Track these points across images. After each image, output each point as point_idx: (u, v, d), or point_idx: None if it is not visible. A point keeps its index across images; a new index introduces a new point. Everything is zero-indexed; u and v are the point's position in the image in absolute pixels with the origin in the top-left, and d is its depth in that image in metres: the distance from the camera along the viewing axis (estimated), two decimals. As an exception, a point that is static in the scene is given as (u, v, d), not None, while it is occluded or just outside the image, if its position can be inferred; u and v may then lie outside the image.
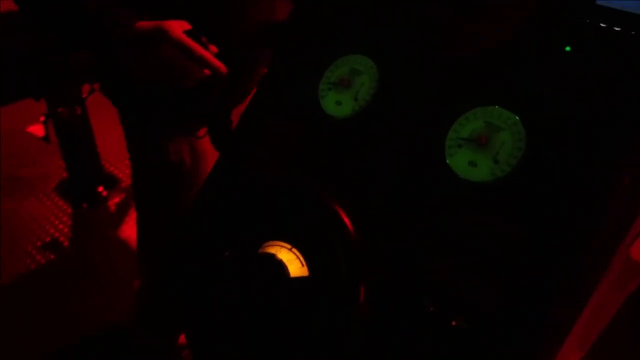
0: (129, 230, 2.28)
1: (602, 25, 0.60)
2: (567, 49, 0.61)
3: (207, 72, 0.87)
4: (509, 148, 0.61)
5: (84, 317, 1.91)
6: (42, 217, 2.36)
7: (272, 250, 0.63)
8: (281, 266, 0.61)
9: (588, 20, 0.61)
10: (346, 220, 0.62)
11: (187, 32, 0.86)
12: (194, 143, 1.11)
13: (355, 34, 0.76)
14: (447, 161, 0.64)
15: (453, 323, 0.59)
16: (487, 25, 0.67)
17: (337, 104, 0.73)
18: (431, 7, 0.70)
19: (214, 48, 0.89)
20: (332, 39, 0.77)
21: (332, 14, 0.79)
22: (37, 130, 2.22)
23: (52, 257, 2.18)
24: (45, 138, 2.18)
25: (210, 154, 1.05)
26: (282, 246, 0.63)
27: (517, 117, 0.61)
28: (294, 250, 0.63)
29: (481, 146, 0.62)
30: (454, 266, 0.60)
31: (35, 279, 2.11)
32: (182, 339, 1.42)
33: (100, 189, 2.47)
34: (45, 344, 1.83)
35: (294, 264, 0.62)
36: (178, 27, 0.86)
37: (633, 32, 0.58)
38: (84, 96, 2.22)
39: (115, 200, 2.44)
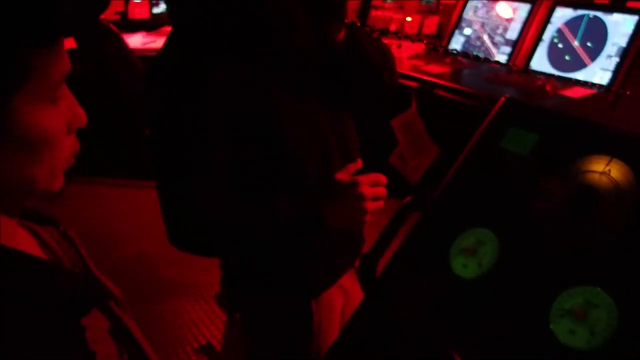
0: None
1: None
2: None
3: None
4: (603, 324, 0.74)
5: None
6: (201, 321, 2.69)
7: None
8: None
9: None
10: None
11: None
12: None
13: (483, 210, 0.95)
14: (551, 327, 0.78)
15: None
16: (594, 224, 0.82)
17: (463, 266, 0.91)
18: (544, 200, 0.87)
19: None
20: (464, 213, 0.96)
21: (463, 192, 0.98)
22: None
23: (205, 358, 2.46)
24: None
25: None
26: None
27: (612, 300, 0.74)
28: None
29: (579, 319, 0.76)
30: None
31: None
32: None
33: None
34: None
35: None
36: None
37: None
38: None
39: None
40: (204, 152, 1.06)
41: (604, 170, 0.84)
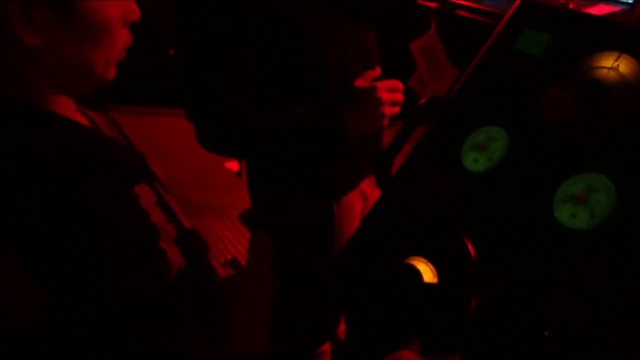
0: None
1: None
2: (657, 134, 0.78)
3: None
4: (602, 206, 0.79)
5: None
6: (226, 238, 2.81)
7: (412, 261, 0.86)
8: (418, 273, 0.85)
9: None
10: (470, 248, 0.85)
11: None
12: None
13: (494, 109, 0.99)
14: (555, 213, 0.83)
15: (545, 333, 0.78)
16: (598, 113, 0.86)
17: (474, 161, 0.96)
18: (553, 94, 0.91)
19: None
20: (477, 113, 1.00)
21: (477, 93, 1.02)
22: (233, 166, 2.68)
23: (231, 272, 2.60)
24: (239, 173, 2.63)
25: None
26: (419, 260, 0.87)
27: (612, 184, 0.79)
28: (428, 264, 0.86)
29: (581, 203, 0.81)
30: (549, 289, 0.79)
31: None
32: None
33: (275, 220, 2.87)
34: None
35: (428, 274, 0.85)
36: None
37: None
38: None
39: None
40: (229, 55, 1.11)
41: (613, 65, 0.87)
